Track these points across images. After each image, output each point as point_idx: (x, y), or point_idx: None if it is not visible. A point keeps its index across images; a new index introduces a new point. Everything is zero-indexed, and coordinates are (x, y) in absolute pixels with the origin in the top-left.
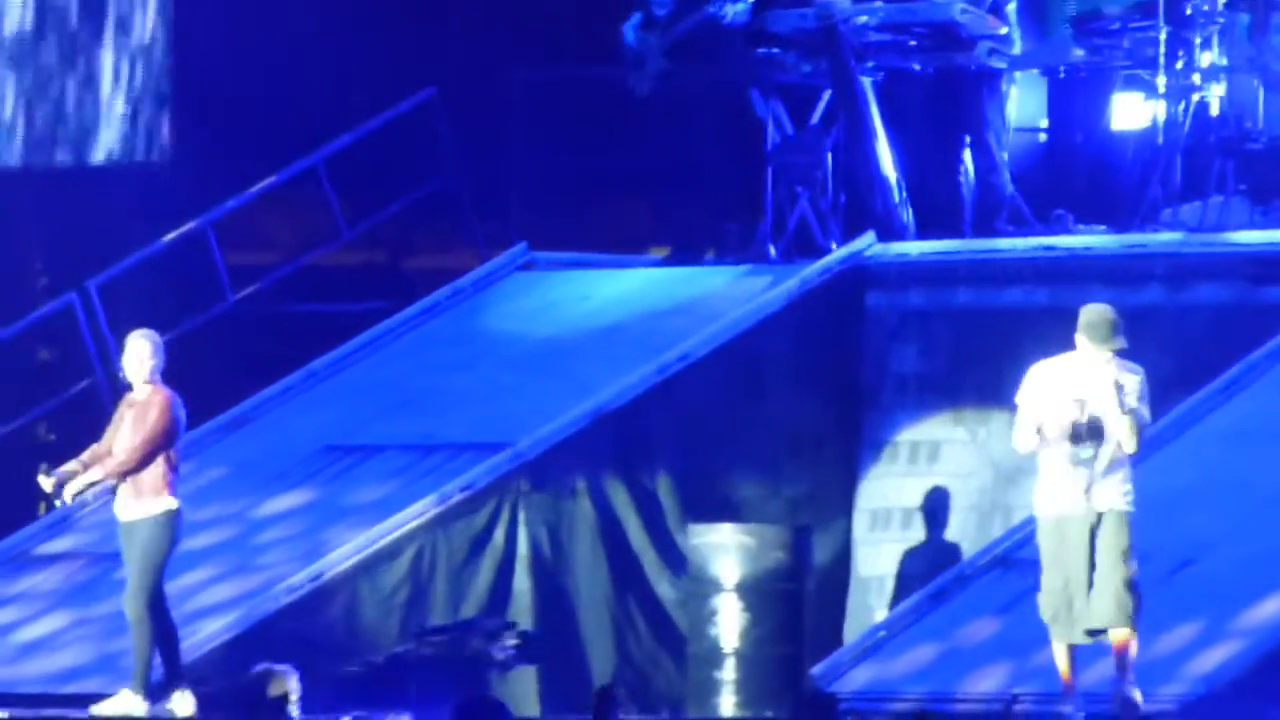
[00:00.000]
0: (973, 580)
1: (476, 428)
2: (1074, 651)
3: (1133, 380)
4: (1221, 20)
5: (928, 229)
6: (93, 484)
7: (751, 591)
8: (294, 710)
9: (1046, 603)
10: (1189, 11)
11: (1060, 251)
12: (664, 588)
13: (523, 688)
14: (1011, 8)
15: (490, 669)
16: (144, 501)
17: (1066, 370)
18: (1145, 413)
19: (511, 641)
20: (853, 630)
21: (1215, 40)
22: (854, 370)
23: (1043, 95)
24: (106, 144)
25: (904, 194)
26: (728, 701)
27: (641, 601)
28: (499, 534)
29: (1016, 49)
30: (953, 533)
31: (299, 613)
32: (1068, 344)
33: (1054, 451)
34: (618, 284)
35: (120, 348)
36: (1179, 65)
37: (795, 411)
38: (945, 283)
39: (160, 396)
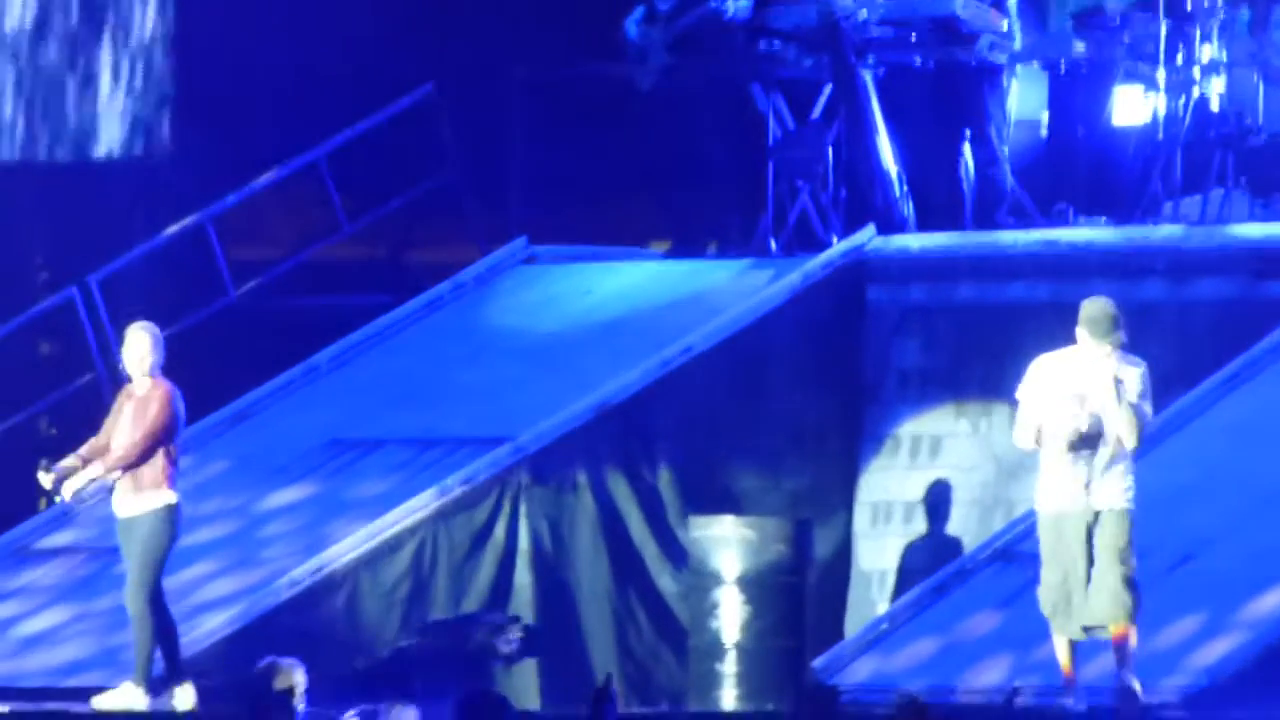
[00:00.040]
0: (974, 574)
1: (478, 422)
2: (1075, 646)
3: (1133, 374)
4: (1222, 15)
5: (928, 223)
6: (92, 480)
7: (753, 584)
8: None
9: (1045, 597)
10: (1189, 6)
11: (1061, 246)
12: (665, 581)
13: (523, 681)
14: (1012, 2)
15: (495, 662)
16: (143, 496)
17: (1067, 365)
18: (1147, 408)
19: (517, 635)
20: (854, 624)
21: (1216, 35)
22: (855, 364)
23: (1043, 89)
24: (107, 139)
25: (905, 188)
26: (729, 695)
27: (643, 595)
28: (500, 528)
29: (1017, 43)
30: (954, 526)
31: (300, 607)
32: (1069, 338)
33: (1054, 447)
34: (619, 278)
35: (121, 342)
36: (1179, 60)
37: (797, 405)
38: (946, 277)
39: (160, 390)
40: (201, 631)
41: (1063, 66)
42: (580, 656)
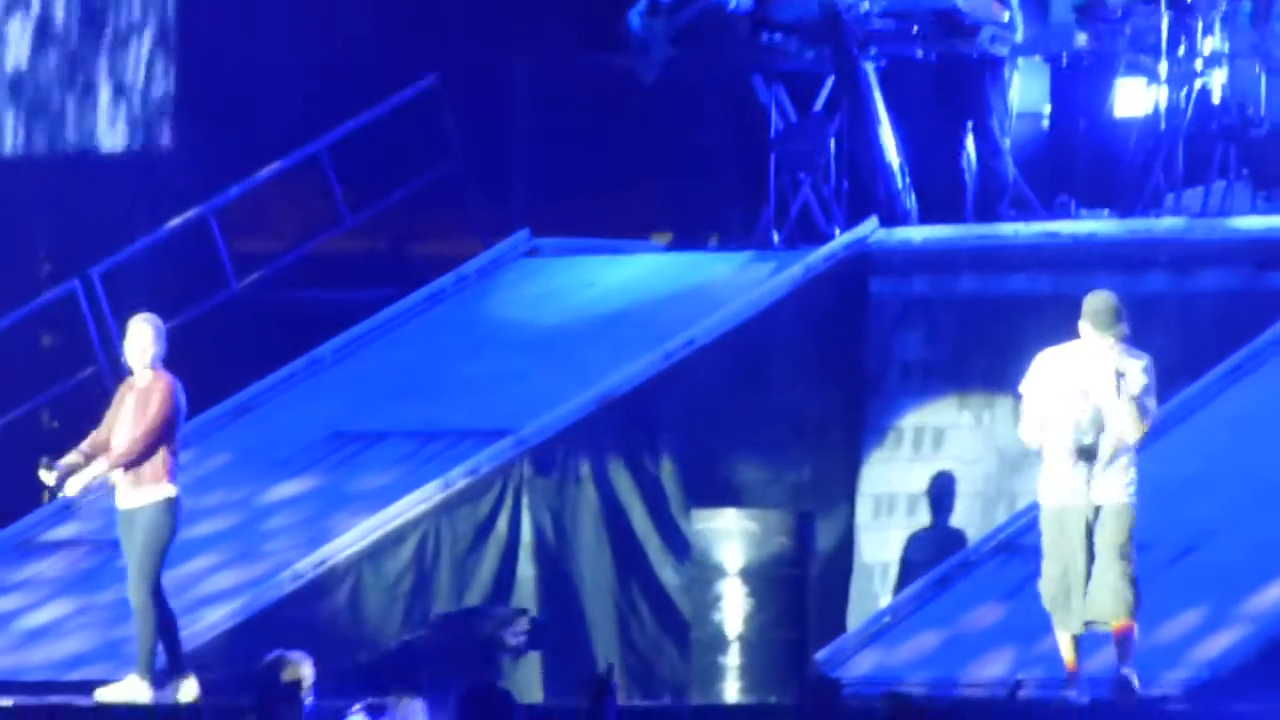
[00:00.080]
0: (977, 566)
1: (481, 414)
2: (1078, 639)
3: (1135, 366)
4: (1224, 7)
5: (931, 215)
6: (96, 477)
7: (755, 577)
8: (307, 696)
9: (1046, 590)
10: None
11: (1063, 238)
12: (668, 573)
13: (526, 674)
14: None
15: (503, 655)
16: (144, 489)
17: (1070, 359)
18: (1150, 402)
19: (524, 628)
20: (857, 616)
21: (1217, 26)
22: (858, 356)
23: (1045, 81)
24: (110, 132)
25: (907, 180)
26: (731, 687)
27: (645, 587)
28: (503, 520)
29: (1019, 35)
30: (957, 519)
31: (303, 600)
32: (1071, 330)
33: (1057, 441)
34: (621, 270)
35: (123, 335)
36: (1181, 52)
37: (799, 397)
38: (949, 269)
39: (162, 384)
40: (204, 624)
41: (1064, 59)
42: (583, 649)
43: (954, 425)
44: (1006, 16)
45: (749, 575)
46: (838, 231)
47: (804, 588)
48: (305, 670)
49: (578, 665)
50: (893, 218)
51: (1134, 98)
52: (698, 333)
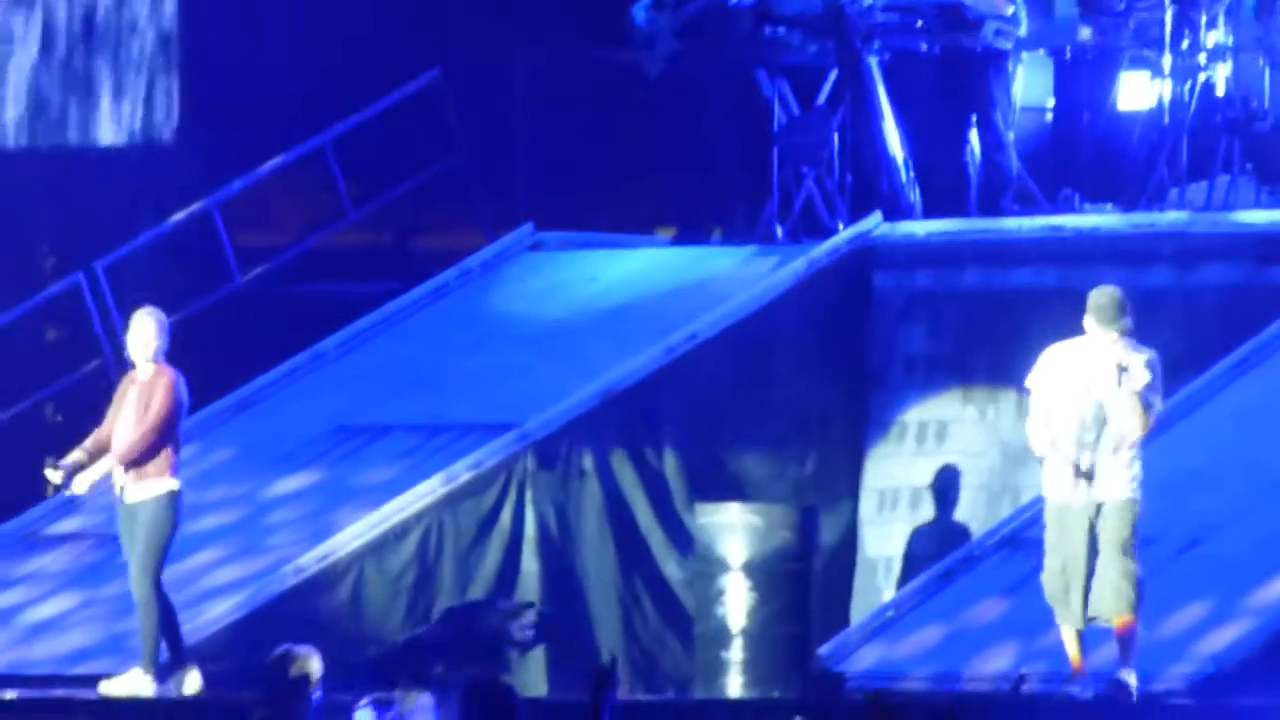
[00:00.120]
0: (981, 560)
1: (484, 408)
2: (1082, 635)
3: (1139, 361)
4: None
5: (934, 209)
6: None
7: (759, 571)
8: (315, 691)
9: (1048, 584)
10: None
11: (1067, 232)
12: (671, 567)
13: (531, 668)
14: None
15: (510, 649)
16: (146, 483)
17: (1076, 355)
18: (1154, 396)
19: (531, 621)
20: (860, 610)
21: (1221, 20)
22: (861, 350)
23: (1049, 75)
24: (114, 125)
25: (911, 174)
26: (735, 681)
27: (649, 581)
28: (506, 514)
29: (1023, 29)
30: (961, 513)
31: (307, 594)
32: (1075, 324)
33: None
34: (625, 265)
35: (127, 328)
36: (1185, 45)
37: (803, 391)
38: (952, 263)
39: (165, 378)
40: (208, 618)
41: (1068, 52)
42: (587, 643)
43: (958, 419)
44: (1010, 10)
45: (752, 569)
46: (841, 225)
47: (807, 582)
48: (314, 665)
49: (581, 659)
50: (896, 212)
51: (1138, 91)
52: (701, 327)
